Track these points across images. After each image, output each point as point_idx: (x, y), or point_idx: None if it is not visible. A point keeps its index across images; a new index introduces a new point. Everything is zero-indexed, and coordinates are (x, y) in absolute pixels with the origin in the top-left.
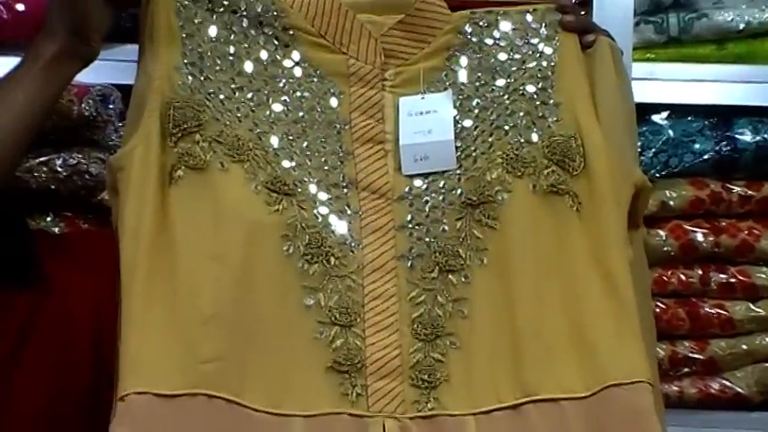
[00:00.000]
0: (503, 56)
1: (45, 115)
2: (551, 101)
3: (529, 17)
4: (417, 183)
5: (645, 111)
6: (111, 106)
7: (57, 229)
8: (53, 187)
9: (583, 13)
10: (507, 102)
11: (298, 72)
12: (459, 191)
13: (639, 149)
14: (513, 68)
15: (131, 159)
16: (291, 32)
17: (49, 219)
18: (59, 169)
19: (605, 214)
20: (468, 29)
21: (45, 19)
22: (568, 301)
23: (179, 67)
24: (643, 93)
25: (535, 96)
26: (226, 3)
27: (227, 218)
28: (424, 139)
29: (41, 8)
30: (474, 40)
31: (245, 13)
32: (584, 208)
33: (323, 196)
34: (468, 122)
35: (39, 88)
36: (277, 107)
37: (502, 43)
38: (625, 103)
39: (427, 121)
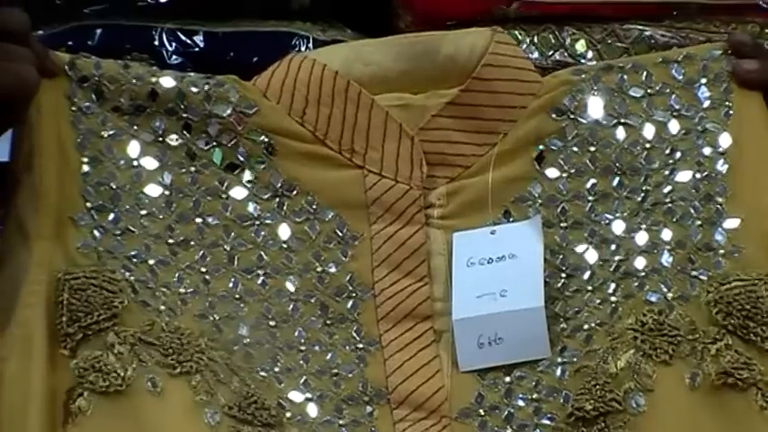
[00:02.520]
0: (633, 145)
1: None
2: (722, 218)
3: (677, 70)
4: (490, 385)
5: None
6: None
7: None
8: None
9: None
10: (643, 227)
11: (280, 206)
12: (562, 396)
13: None
14: (654, 165)
15: None
16: (267, 139)
17: None
18: None
19: None
20: (571, 102)
21: None
22: None
23: (78, 218)
24: None
25: (692, 212)
26: (153, 100)
27: None
28: (494, 307)
29: None
30: (582, 120)
31: (186, 115)
32: None
33: (331, 422)
34: (573, 270)
35: None
36: (246, 273)
37: (632, 122)
38: None
39: (501, 274)
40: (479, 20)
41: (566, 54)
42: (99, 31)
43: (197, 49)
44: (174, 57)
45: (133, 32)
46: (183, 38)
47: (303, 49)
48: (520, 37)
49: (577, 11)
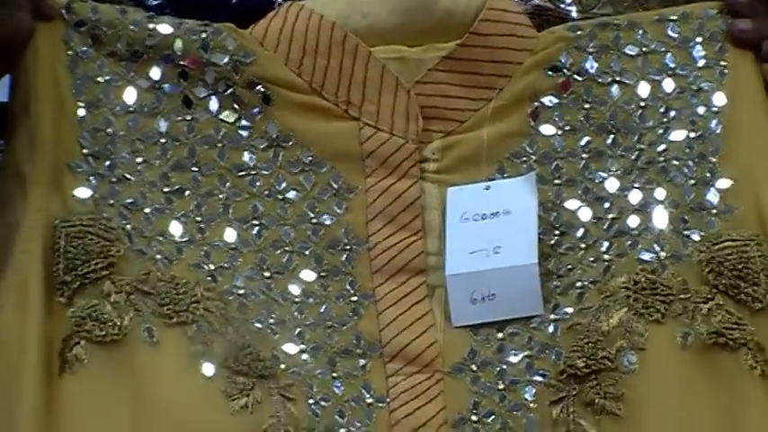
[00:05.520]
0: (628, 103)
1: None
2: (715, 178)
3: (673, 29)
4: (483, 341)
5: None
6: None
7: None
8: None
9: None
10: (637, 185)
11: (276, 157)
12: (554, 352)
13: None
14: (648, 123)
15: None
16: (263, 89)
17: None
18: None
19: None
20: (567, 59)
21: None
22: None
23: (75, 165)
24: None
25: (686, 171)
26: (150, 45)
27: (159, 427)
28: (487, 263)
29: None
30: (578, 77)
31: (183, 62)
32: None
33: (324, 374)
34: (567, 227)
35: None
36: (242, 222)
37: (627, 80)
38: None
39: (494, 229)
40: None
41: None
42: None
43: None
44: None
45: None
46: None
47: None
48: None
49: None
